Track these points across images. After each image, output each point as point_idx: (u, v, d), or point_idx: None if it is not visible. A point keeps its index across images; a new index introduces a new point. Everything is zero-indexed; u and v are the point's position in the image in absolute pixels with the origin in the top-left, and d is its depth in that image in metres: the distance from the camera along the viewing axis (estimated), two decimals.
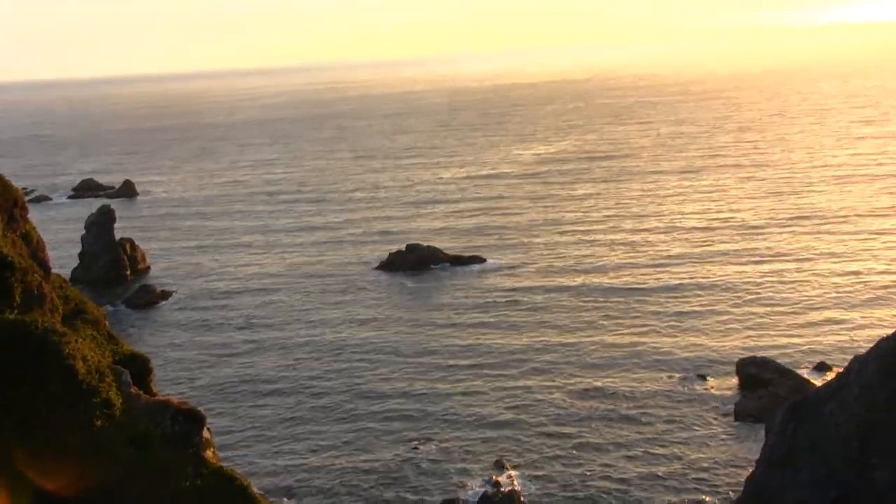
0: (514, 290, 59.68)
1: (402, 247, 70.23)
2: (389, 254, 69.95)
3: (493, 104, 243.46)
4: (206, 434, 20.24)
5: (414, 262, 67.74)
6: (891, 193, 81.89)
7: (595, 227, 76.24)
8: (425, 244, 70.99)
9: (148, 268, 72.81)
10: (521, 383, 43.74)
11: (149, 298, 63.12)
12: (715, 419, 38.76)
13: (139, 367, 21.33)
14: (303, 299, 61.41)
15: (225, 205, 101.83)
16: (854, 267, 59.50)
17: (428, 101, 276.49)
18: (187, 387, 45.65)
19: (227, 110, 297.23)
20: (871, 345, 37.78)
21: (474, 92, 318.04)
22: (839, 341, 46.33)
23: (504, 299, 57.61)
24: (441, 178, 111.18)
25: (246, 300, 62.03)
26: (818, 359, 44.12)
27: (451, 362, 47.06)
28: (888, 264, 59.39)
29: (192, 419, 19.82)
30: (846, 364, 38.29)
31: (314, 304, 60.01)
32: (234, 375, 47.47)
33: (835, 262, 60.93)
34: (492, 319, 53.63)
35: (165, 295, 64.17)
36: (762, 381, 40.81)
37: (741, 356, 43.72)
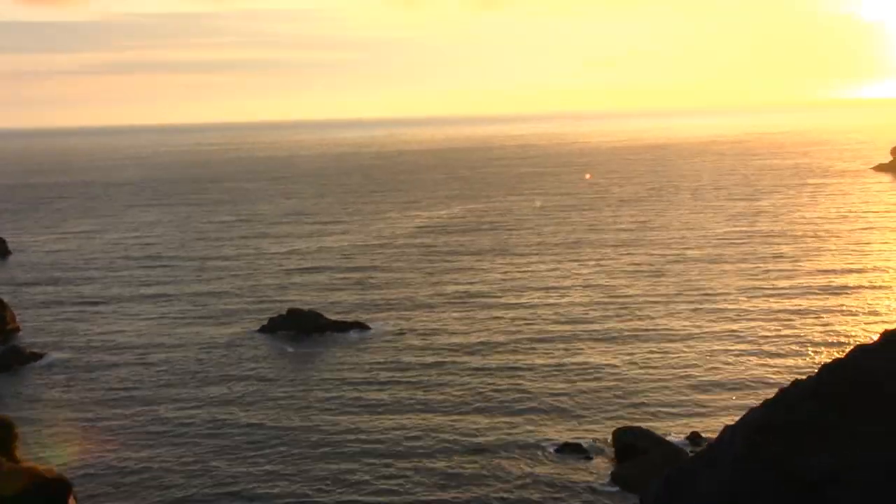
0: (395, 360, 59.30)
1: (284, 311, 69.44)
2: (270, 318, 69.01)
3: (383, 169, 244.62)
4: (72, 502, 19.44)
5: (295, 326, 66.95)
6: (753, 274, 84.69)
7: (477, 299, 76.18)
8: (307, 309, 70.39)
9: (17, 328, 69.99)
10: (395, 464, 42.77)
11: (17, 360, 60.60)
12: (592, 489, 39.14)
13: (2, 433, 20.43)
14: (179, 364, 59.86)
15: (102, 266, 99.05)
16: (726, 342, 61.23)
17: (314, 165, 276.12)
18: (55, 452, 43.79)
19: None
20: (741, 415, 39.13)
21: (363, 157, 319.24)
22: (711, 411, 47.53)
23: (385, 370, 57.06)
24: (325, 242, 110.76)
25: (120, 364, 60.16)
26: (691, 429, 45.14)
27: (332, 438, 45.97)
28: (757, 341, 61.32)
29: (58, 487, 19.04)
30: (718, 434, 39.50)
31: (191, 369, 58.55)
32: (104, 441, 45.78)
33: (709, 339, 62.52)
34: (372, 394, 52.65)
35: (35, 357, 61.72)
36: (638, 450, 41.49)
37: (618, 426, 44.42)
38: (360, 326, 67.71)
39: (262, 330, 67.80)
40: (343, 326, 67.57)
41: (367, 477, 40.90)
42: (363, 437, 45.69)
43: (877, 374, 33.52)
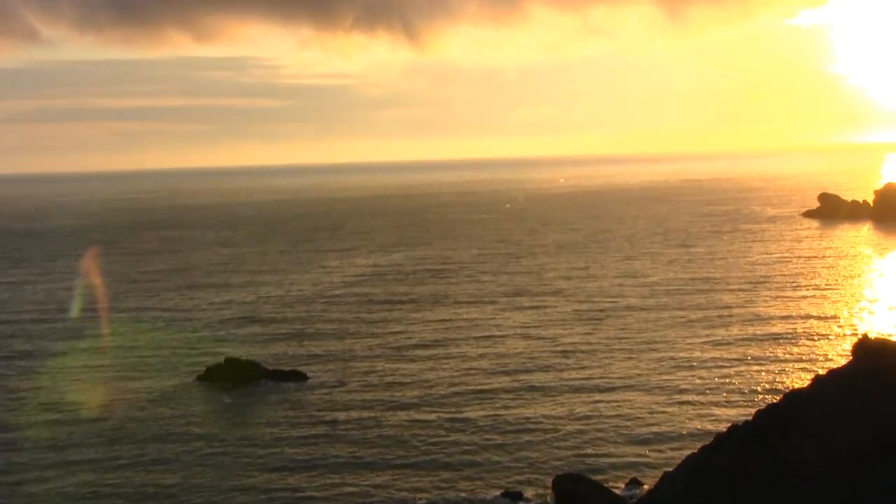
0: (333, 412, 58.66)
1: (221, 360, 68.42)
2: (207, 368, 67.90)
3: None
4: None
5: (232, 376, 65.95)
6: (688, 322, 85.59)
7: (416, 349, 75.75)
8: (244, 358, 69.49)
9: None
10: None
11: None
12: None
13: None
14: (113, 420, 58.34)
15: (32, 318, 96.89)
16: (664, 389, 61.68)
17: (251, 212, 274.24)
18: None
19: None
20: (679, 461, 39.37)
21: (301, 204, 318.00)
22: (651, 459, 47.70)
23: (323, 423, 56.27)
24: (263, 291, 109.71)
25: (50, 422, 58.45)
26: (631, 475, 45.22)
27: (272, 497, 45.09)
28: (695, 388, 61.87)
29: None
30: (658, 480, 39.67)
31: (126, 425, 56.96)
32: (36, 494, 44.48)
33: (647, 387, 62.93)
34: (310, 449, 51.79)
35: None
36: (578, 497, 41.39)
37: (557, 473, 44.33)
38: (298, 376, 66.92)
39: (199, 380, 66.68)
40: (281, 376, 66.76)
41: None
42: (301, 495, 44.85)
43: (808, 417, 34.02)
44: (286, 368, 68.43)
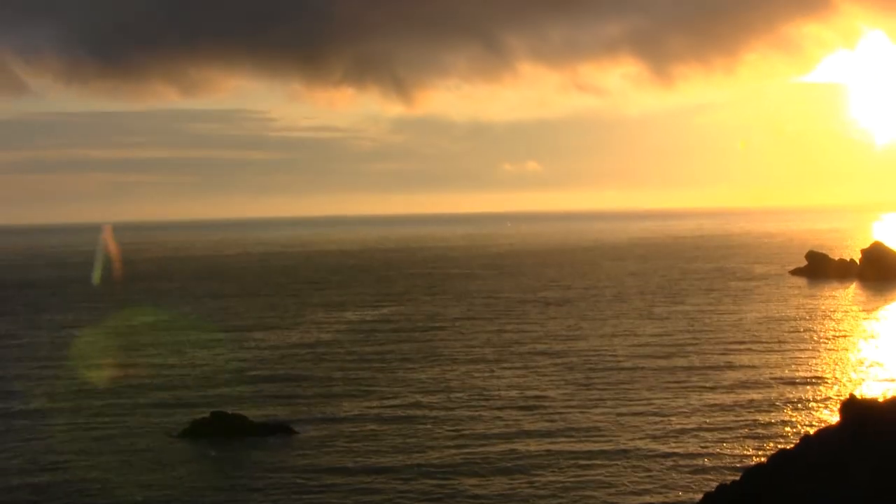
0: (322, 468, 58.25)
1: (207, 414, 67.96)
2: (192, 422, 67.41)
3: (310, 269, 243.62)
4: None
5: (219, 430, 65.49)
6: (677, 381, 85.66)
7: (405, 408, 75.21)
8: (231, 412, 69.04)
9: None
10: None
11: None
12: None
13: None
14: (97, 477, 57.62)
15: (16, 374, 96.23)
16: (652, 449, 61.52)
17: (238, 264, 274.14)
18: None
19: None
20: None
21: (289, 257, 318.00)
22: None
23: (312, 480, 55.80)
24: (250, 344, 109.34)
25: (29, 474, 57.80)
26: None
27: None
28: (683, 447, 61.79)
29: None
30: None
31: (110, 483, 56.15)
32: None
33: (636, 448, 62.76)
34: None
35: None
36: None
37: None
38: (286, 431, 66.52)
39: (184, 434, 66.16)
40: (268, 430, 66.35)
41: None
42: None
43: (796, 477, 34.01)
44: (274, 423, 68.01)
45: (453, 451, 60.23)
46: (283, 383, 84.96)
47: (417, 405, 74.23)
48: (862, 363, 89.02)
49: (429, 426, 67.51)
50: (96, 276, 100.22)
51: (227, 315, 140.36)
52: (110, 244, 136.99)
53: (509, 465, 56.51)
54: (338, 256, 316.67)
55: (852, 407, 35.20)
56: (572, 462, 56.49)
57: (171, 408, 75.13)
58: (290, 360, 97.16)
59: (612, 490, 51.15)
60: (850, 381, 79.55)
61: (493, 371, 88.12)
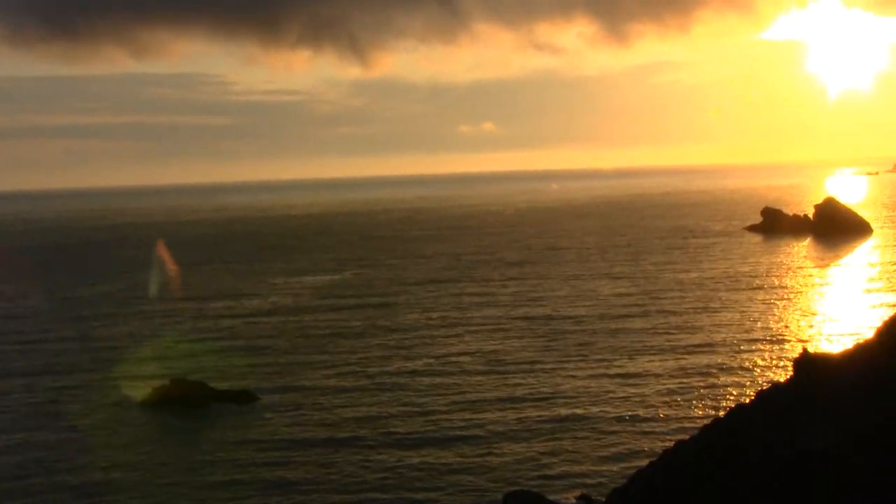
0: (286, 434, 58.32)
1: (167, 382, 67.63)
2: (153, 390, 67.10)
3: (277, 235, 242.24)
4: None
5: (180, 398, 65.22)
6: (638, 336, 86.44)
7: (368, 369, 75.43)
8: (192, 379, 68.77)
9: None
10: None
11: None
12: None
13: None
14: (52, 444, 57.32)
15: None
16: (613, 403, 62.20)
17: (198, 231, 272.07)
18: None
19: None
20: (627, 475, 39.77)
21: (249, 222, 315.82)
22: (600, 472, 48.18)
23: (276, 446, 55.79)
24: (211, 311, 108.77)
25: None
26: (580, 489, 45.58)
27: None
28: (642, 401, 62.57)
29: None
30: (606, 497, 40.02)
31: (67, 453, 55.81)
32: None
33: (596, 401, 63.42)
34: (263, 474, 51.36)
35: None
36: None
37: (507, 489, 44.52)
38: (249, 397, 66.38)
39: (144, 404, 65.87)
40: (231, 397, 66.14)
41: None
42: None
43: (752, 432, 34.59)
44: (236, 389, 67.78)
45: (417, 417, 60.05)
46: (244, 350, 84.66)
47: (380, 371, 73.86)
48: (815, 318, 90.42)
49: (391, 391, 67.34)
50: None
51: (187, 282, 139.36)
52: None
53: (472, 433, 56.30)
54: (298, 221, 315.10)
55: (805, 362, 35.75)
56: (535, 429, 56.54)
57: (129, 378, 74.29)
58: (252, 327, 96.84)
59: (574, 455, 51.52)
60: (803, 337, 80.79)
61: (455, 335, 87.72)
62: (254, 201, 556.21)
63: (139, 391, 68.60)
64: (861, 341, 38.34)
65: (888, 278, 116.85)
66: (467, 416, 59.82)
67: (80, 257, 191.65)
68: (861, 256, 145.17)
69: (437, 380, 69.48)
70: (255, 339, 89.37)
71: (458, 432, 56.37)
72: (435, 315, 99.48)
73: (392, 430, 57.41)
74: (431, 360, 76.24)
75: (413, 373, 72.07)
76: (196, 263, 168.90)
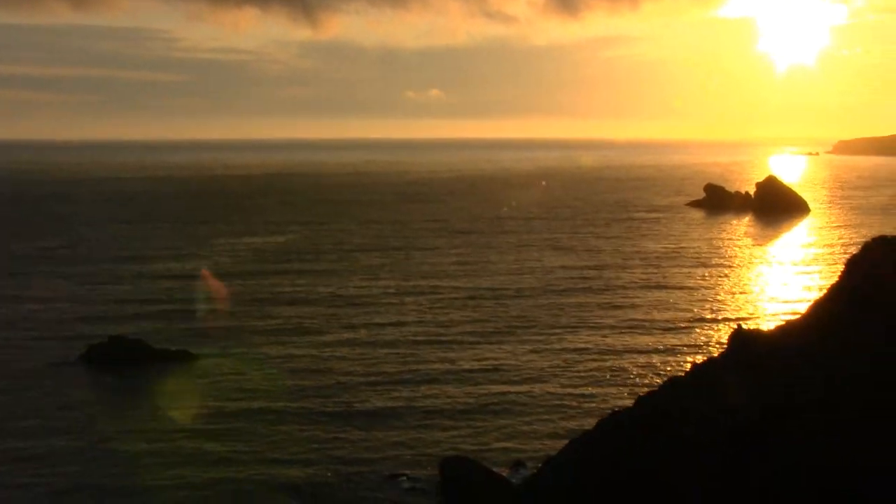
0: (223, 393, 58.25)
1: (105, 339, 66.81)
2: (89, 347, 66.20)
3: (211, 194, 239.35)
4: None
5: (117, 355, 64.50)
6: (577, 309, 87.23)
7: (307, 333, 75.10)
8: (131, 336, 68.04)
9: None
10: None
11: None
12: None
13: None
14: None
15: None
16: (549, 375, 62.90)
17: (141, 188, 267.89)
18: None
19: None
20: (562, 443, 40.39)
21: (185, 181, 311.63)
22: (535, 442, 48.73)
23: (213, 405, 55.63)
24: (151, 269, 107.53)
25: None
26: (515, 458, 46.16)
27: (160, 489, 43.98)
28: (579, 374, 63.27)
29: None
30: (541, 465, 40.61)
31: (3, 408, 54.95)
32: None
33: (533, 372, 64.02)
34: (199, 433, 51.08)
35: None
36: (463, 479, 42.04)
37: (444, 455, 44.93)
38: (187, 356, 65.92)
39: (81, 360, 65.07)
40: (169, 355, 65.56)
41: None
42: (190, 487, 44.07)
43: (685, 404, 35.31)
44: (174, 347, 67.18)
45: (357, 387, 59.29)
46: (184, 308, 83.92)
47: (320, 339, 72.81)
48: (751, 295, 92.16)
49: (331, 360, 66.36)
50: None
51: (128, 239, 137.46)
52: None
53: (411, 404, 55.84)
54: (243, 182, 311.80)
55: (739, 337, 36.53)
56: (474, 401, 56.52)
57: (66, 336, 73.08)
58: (193, 288, 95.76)
59: (511, 426, 51.71)
60: (739, 313, 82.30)
61: (398, 304, 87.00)
62: (198, 160, 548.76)
63: (76, 347, 67.65)
64: (793, 318, 39.27)
65: (822, 257, 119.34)
66: (408, 387, 59.33)
67: (14, 212, 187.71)
68: (797, 235, 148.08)
69: (379, 350, 68.81)
70: (197, 301, 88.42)
71: (398, 403, 56.06)
72: (379, 283, 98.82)
73: (330, 399, 56.86)
74: (374, 330, 75.55)
75: (354, 342, 71.38)
76: (137, 222, 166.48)
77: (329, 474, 44.29)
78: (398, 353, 67.52)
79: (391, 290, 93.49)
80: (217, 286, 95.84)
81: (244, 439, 49.62)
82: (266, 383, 59.70)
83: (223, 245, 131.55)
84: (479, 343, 70.81)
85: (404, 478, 43.89)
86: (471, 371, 62.53)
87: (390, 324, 77.89)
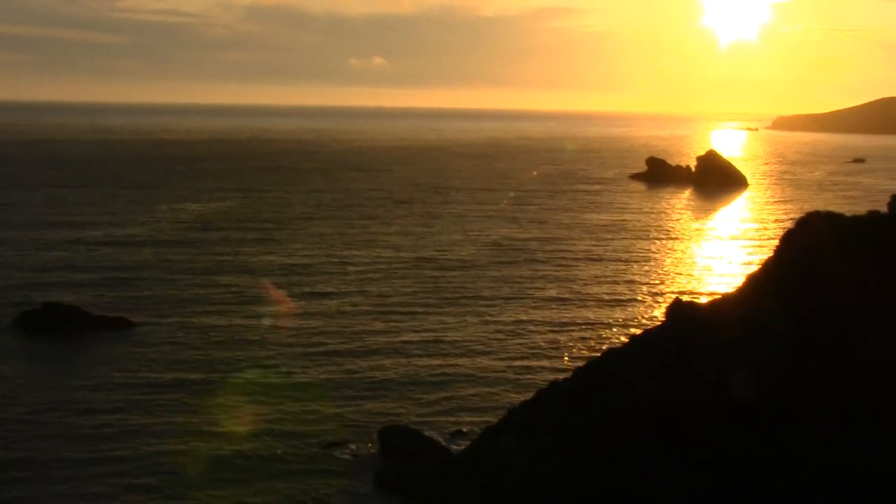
0: (162, 360, 57.62)
1: (38, 305, 65.56)
2: (22, 313, 64.92)
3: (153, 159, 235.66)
4: None
5: (51, 322, 63.32)
6: (518, 281, 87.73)
7: (247, 300, 74.47)
8: (66, 302, 66.87)
9: None
10: (154, 476, 41.01)
11: None
12: (354, 490, 39.42)
13: None
14: None
15: None
16: (490, 346, 63.16)
17: (78, 152, 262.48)
18: None
19: None
20: (501, 413, 40.69)
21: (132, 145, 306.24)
22: (474, 412, 48.98)
23: (151, 371, 55.16)
24: (88, 235, 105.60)
25: None
26: (456, 426, 46.39)
27: (97, 451, 43.54)
28: (518, 346, 63.65)
29: None
30: (480, 433, 40.92)
31: None
32: None
33: (474, 343, 64.26)
34: (138, 397, 50.91)
35: None
36: (402, 449, 42.19)
37: (382, 425, 44.99)
38: (125, 323, 64.97)
39: (13, 325, 63.80)
40: (106, 323, 64.54)
41: (114, 489, 39.28)
42: (123, 461, 43.61)
43: (623, 375, 35.74)
44: (112, 315, 66.13)
45: (295, 358, 58.52)
46: (122, 275, 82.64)
47: (259, 310, 71.32)
48: (690, 268, 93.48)
49: (269, 332, 64.88)
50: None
51: (63, 204, 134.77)
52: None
53: (351, 377, 55.12)
54: (184, 147, 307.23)
55: (677, 309, 36.98)
56: (414, 372, 56.29)
57: None
58: (131, 251, 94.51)
59: (451, 397, 51.82)
60: (677, 285, 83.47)
61: (340, 274, 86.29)
62: (138, 124, 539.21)
63: (7, 314, 66.24)
64: (729, 292, 39.84)
65: (759, 231, 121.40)
66: (349, 358, 58.87)
67: None
68: (736, 209, 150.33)
69: (319, 320, 68.26)
70: (134, 268, 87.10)
71: (334, 369, 56.09)
72: (320, 252, 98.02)
73: (269, 370, 56.08)
74: (314, 300, 74.92)
75: (295, 313, 70.62)
76: (74, 186, 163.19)
77: (266, 447, 43.90)
78: (339, 324, 67.08)
79: (333, 260, 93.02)
80: (157, 254, 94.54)
81: (179, 411, 48.69)
82: (204, 353, 59.05)
83: (163, 211, 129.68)
84: (420, 314, 70.71)
85: (343, 447, 43.86)
86: (412, 342, 62.48)
87: (331, 294, 77.41)
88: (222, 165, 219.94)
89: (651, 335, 37.84)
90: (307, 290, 78.72)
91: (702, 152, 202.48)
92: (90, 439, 44.75)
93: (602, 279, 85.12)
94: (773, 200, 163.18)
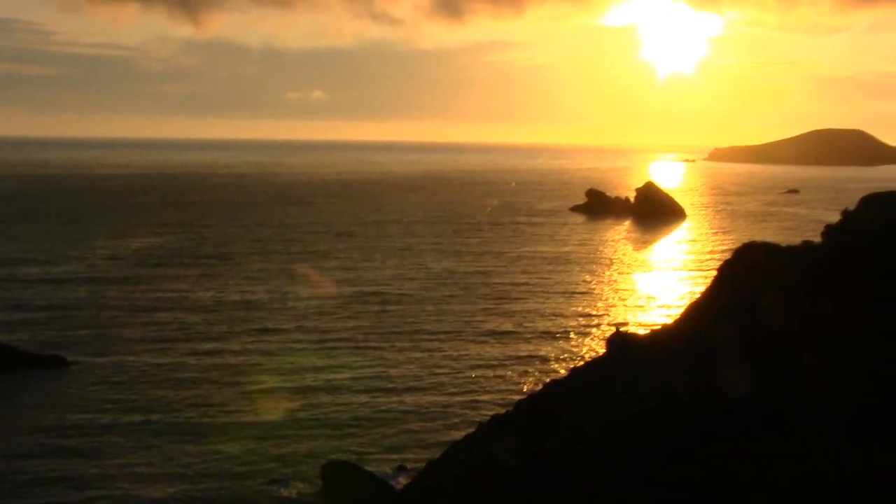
0: (98, 399, 56.57)
1: None
2: None
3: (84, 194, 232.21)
4: None
5: None
6: (458, 315, 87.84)
7: (185, 338, 73.68)
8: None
9: None
10: None
11: None
12: None
13: None
14: None
15: None
16: (431, 380, 63.07)
17: (11, 186, 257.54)
18: None
19: None
20: (444, 448, 40.56)
21: (62, 179, 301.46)
22: (417, 446, 48.76)
23: (84, 415, 53.87)
24: (21, 272, 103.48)
25: None
26: (398, 461, 46.12)
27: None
28: (461, 381, 63.65)
29: None
30: (423, 467, 40.69)
31: None
32: None
33: (407, 378, 64.12)
34: (71, 439, 49.46)
35: None
36: (345, 484, 41.85)
37: (325, 459, 44.57)
38: (60, 362, 63.71)
39: None
40: (40, 361, 63.21)
41: None
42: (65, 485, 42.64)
43: (564, 407, 35.85)
44: (46, 353, 64.83)
45: (236, 398, 57.51)
46: (57, 312, 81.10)
47: (198, 348, 70.36)
48: (630, 298, 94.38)
49: (209, 370, 63.85)
50: None
51: None
52: None
53: (292, 415, 54.49)
54: (121, 181, 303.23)
55: (617, 339, 37.23)
56: (357, 409, 55.86)
57: None
58: (66, 288, 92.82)
59: (393, 433, 51.51)
60: (618, 315, 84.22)
61: (280, 310, 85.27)
62: (75, 158, 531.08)
63: None
64: (668, 322, 40.28)
65: (697, 262, 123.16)
66: (288, 397, 57.82)
67: None
68: (675, 240, 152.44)
69: (260, 358, 67.25)
70: (69, 302, 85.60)
71: (278, 414, 54.57)
72: (260, 288, 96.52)
73: (208, 409, 55.14)
74: (253, 337, 73.74)
75: (233, 351, 69.55)
76: (8, 222, 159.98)
77: (208, 487, 43.15)
78: (280, 361, 66.18)
79: (274, 295, 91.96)
80: (93, 291, 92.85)
81: (115, 455, 47.28)
82: (141, 393, 57.91)
83: (100, 247, 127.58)
84: (362, 349, 70.17)
85: (287, 484, 43.36)
86: (354, 378, 61.88)
87: (272, 330, 76.48)
88: (160, 200, 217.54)
89: (593, 366, 38.05)
90: (248, 326, 77.76)
91: (640, 184, 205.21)
92: (18, 487, 43.04)
93: (543, 312, 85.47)
94: (710, 231, 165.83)
